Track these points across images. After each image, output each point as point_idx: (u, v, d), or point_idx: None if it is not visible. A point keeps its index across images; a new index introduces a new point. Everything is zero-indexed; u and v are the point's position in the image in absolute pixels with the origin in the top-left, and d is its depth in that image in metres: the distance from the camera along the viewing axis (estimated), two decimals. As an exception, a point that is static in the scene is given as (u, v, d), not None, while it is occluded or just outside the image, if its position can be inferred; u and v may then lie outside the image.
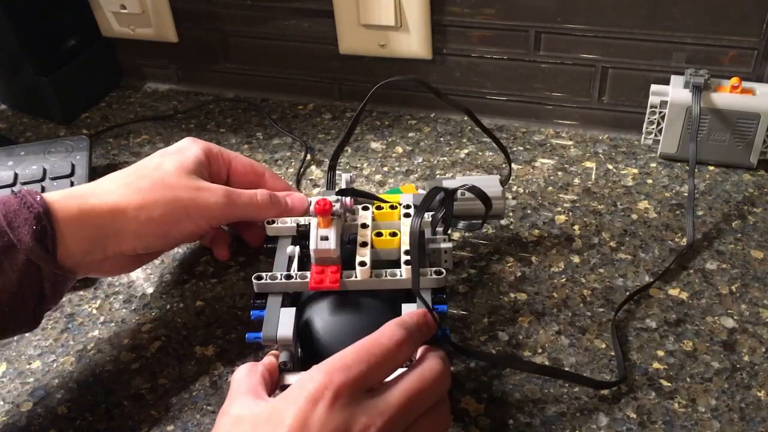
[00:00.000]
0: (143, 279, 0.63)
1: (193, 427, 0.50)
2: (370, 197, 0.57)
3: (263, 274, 0.50)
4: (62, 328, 0.59)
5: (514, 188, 0.70)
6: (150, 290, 0.62)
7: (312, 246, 0.50)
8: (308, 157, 0.77)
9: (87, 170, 0.71)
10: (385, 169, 0.75)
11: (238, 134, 0.82)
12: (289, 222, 0.56)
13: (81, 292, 0.62)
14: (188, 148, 0.56)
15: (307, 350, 0.49)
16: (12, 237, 0.45)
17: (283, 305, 0.50)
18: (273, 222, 0.56)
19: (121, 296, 0.61)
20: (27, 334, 0.58)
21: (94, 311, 0.60)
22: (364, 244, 0.51)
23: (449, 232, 0.57)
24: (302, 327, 0.49)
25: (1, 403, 0.53)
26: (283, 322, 0.48)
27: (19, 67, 0.83)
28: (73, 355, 0.56)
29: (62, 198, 0.48)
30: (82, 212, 0.48)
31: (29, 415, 0.52)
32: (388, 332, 0.42)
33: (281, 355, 0.47)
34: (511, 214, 0.67)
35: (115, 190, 0.50)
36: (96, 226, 0.48)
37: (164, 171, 0.52)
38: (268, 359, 0.46)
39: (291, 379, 0.47)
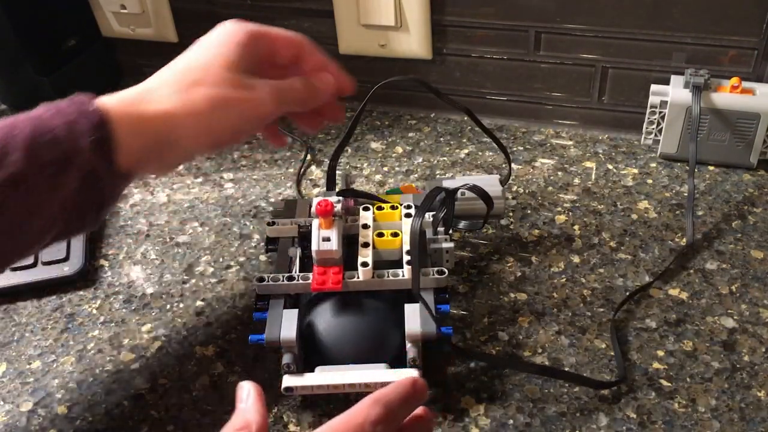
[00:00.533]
0: (143, 279, 0.63)
1: (193, 427, 0.50)
2: (371, 198, 0.57)
3: (265, 276, 0.50)
4: (62, 328, 0.59)
5: (514, 188, 0.70)
6: (150, 290, 0.62)
7: (314, 247, 0.50)
8: (308, 157, 0.77)
9: (87, 170, 0.71)
10: (385, 169, 0.74)
11: (238, 134, 0.82)
12: (289, 223, 0.56)
13: (81, 292, 0.62)
14: (233, 37, 0.52)
15: (310, 352, 0.49)
16: (72, 147, 0.44)
17: (285, 307, 0.50)
18: (274, 224, 0.56)
19: (121, 296, 0.61)
20: (27, 334, 0.58)
21: (94, 311, 0.60)
22: (365, 245, 0.51)
23: (450, 232, 0.57)
24: (305, 328, 0.49)
25: (1, 403, 0.53)
26: (286, 324, 0.48)
27: (19, 67, 0.83)
28: (73, 355, 0.56)
29: (118, 104, 0.47)
30: (139, 120, 0.47)
31: (29, 415, 0.52)
32: (364, 411, 0.38)
33: (284, 357, 0.47)
34: (511, 214, 0.67)
35: (168, 96, 0.48)
36: (154, 134, 0.47)
37: (214, 73, 0.49)
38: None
39: (293, 381, 0.47)
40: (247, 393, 0.41)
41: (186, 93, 0.48)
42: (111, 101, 0.46)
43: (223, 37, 0.52)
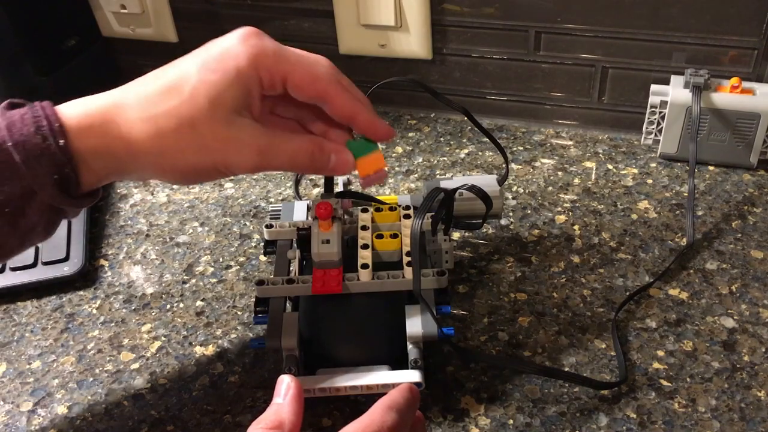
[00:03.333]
0: (143, 279, 0.63)
1: (193, 427, 0.50)
2: (369, 199, 0.57)
3: (265, 279, 0.50)
4: (62, 328, 0.59)
5: (514, 188, 0.70)
6: (150, 290, 0.62)
7: (314, 250, 0.50)
8: (308, 157, 0.77)
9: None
10: (385, 169, 0.74)
11: (238, 134, 0.82)
12: (288, 226, 0.56)
13: (81, 292, 0.62)
14: (234, 60, 0.42)
15: (311, 354, 0.49)
16: (32, 183, 0.41)
17: (285, 310, 0.50)
18: (272, 226, 0.56)
19: (121, 296, 0.61)
20: (27, 334, 0.58)
21: (94, 311, 0.60)
22: (365, 247, 0.51)
23: (449, 232, 0.57)
24: (305, 331, 0.49)
25: (1, 403, 0.53)
26: (286, 328, 0.48)
27: (19, 67, 0.83)
28: (73, 355, 0.56)
29: (82, 121, 0.42)
30: (103, 143, 0.42)
31: (29, 415, 0.52)
32: (379, 418, 0.38)
33: (285, 360, 0.47)
34: (511, 214, 0.67)
35: (136, 121, 0.42)
36: (115, 160, 0.43)
37: (196, 107, 0.41)
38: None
39: None
40: (286, 389, 0.40)
41: (155, 123, 0.42)
42: (74, 117, 0.42)
43: (223, 58, 0.43)
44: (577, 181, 0.71)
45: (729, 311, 0.56)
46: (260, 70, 0.43)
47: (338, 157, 0.46)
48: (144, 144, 0.42)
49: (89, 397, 0.53)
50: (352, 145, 0.46)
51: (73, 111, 0.42)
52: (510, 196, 0.69)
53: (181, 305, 0.60)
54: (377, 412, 0.39)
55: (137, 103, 0.42)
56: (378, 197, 0.58)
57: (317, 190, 0.72)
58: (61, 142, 0.41)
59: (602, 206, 0.67)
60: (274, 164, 0.44)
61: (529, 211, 0.67)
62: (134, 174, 0.44)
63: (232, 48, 0.43)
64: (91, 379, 0.54)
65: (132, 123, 0.42)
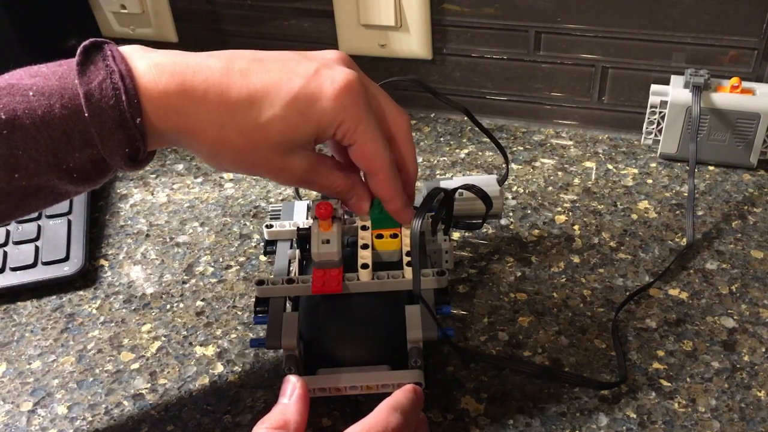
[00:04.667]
0: (143, 279, 0.63)
1: (193, 427, 0.50)
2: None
3: (264, 279, 0.50)
4: (62, 328, 0.59)
5: (514, 188, 0.70)
6: (150, 290, 0.62)
7: (314, 249, 0.50)
8: (308, 157, 0.77)
9: (87, 170, 0.71)
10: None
11: (238, 134, 0.82)
12: (288, 226, 0.56)
13: (81, 292, 0.62)
14: (319, 113, 0.43)
15: (312, 354, 0.49)
16: (104, 153, 0.40)
17: (285, 309, 0.50)
18: (272, 226, 0.56)
19: (121, 296, 0.61)
20: (27, 334, 0.58)
21: (94, 311, 0.60)
22: (365, 246, 0.51)
23: (449, 232, 0.57)
24: (305, 331, 0.49)
25: (1, 403, 0.53)
26: (287, 327, 0.48)
27: (19, 67, 0.83)
28: (73, 355, 0.56)
29: (158, 110, 0.41)
30: (172, 130, 0.42)
31: (29, 415, 0.52)
32: (383, 419, 0.38)
33: (285, 359, 0.47)
34: (511, 214, 0.67)
35: (207, 124, 0.42)
36: (179, 142, 0.44)
37: (267, 137, 0.42)
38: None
39: None
40: (292, 389, 0.40)
41: (222, 132, 0.42)
42: (154, 94, 0.41)
43: (312, 102, 0.43)
44: (577, 181, 0.71)
45: (729, 311, 0.56)
46: (338, 130, 0.44)
47: (358, 203, 0.49)
48: (206, 143, 0.43)
49: (89, 397, 0.53)
50: (374, 212, 0.51)
51: (155, 87, 0.41)
52: (510, 196, 0.69)
53: (181, 305, 0.60)
54: (381, 413, 0.39)
55: (216, 100, 0.42)
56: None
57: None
58: (138, 120, 0.40)
59: (602, 206, 0.67)
60: (307, 187, 0.48)
61: (529, 211, 0.67)
62: (189, 150, 0.45)
63: (325, 97, 0.43)
64: (91, 379, 0.54)
65: (203, 122, 0.42)
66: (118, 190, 0.75)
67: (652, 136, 0.73)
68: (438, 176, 0.73)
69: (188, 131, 0.42)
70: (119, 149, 0.40)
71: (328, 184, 0.47)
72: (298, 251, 0.55)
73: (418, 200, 0.55)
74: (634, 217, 0.66)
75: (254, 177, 0.75)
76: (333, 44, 0.82)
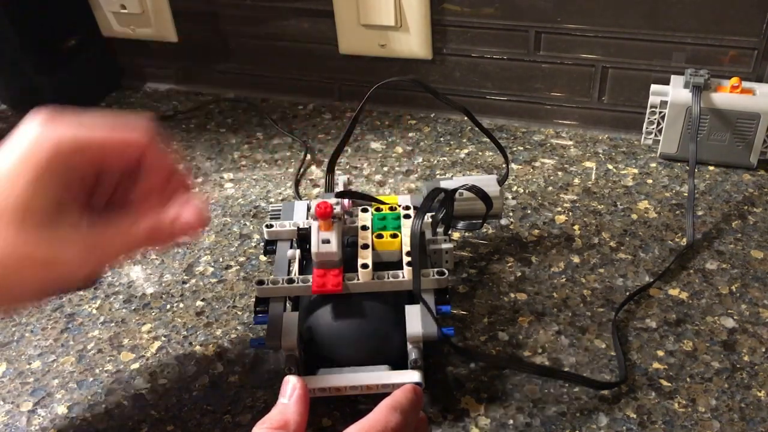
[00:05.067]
0: (143, 279, 0.63)
1: (193, 427, 0.50)
2: (369, 199, 0.57)
3: (265, 279, 0.50)
4: (62, 328, 0.59)
5: (514, 188, 0.70)
6: (150, 290, 0.62)
7: (314, 249, 0.50)
8: (308, 157, 0.77)
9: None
10: (385, 169, 0.74)
11: (238, 134, 0.82)
12: (288, 225, 0.56)
13: (81, 292, 0.62)
14: (36, 156, 0.37)
15: (312, 354, 0.49)
16: None
17: (285, 309, 0.50)
18: (272, 226, 0.56)
19: (121, 296, 0.61)
20: (27, 334, 0.58)
21: (94, 311, 0.60)
22: (365, 246, 0.51)
23: (449, 232, 0.57)
24: (306, 331, 0.49)
25: (1, 403, 0.53)
26: (287, 327, 0.48)
27: (19, 67, 0.83)
28: (73, 355, 0.56)
29: None
30: None
31: (29, 415, 0.52)
32: (383, 418, 0.38)
33: (286, 360, 0.47)
34: (511, 214, 0.67)
35: None
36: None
37: (6, 220, 0.36)
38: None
39: None
40: (292, 389, 0.40)
41: None
42: None
43: (24, 157, 0.37)
44: (577, 181, 0.71)
45: (729, 311, 0.56)
46: (70, 157, 0.38)
47: (183, 222, 0.41)
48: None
49: (89, 397, 0.53)
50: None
51: None
52: (510, 196, 0.69)
53: (181, 305, 0.60)
54: (381, 413, 0.39)
55: None
56: (378, 197, 0.58)
57: (317, 190, 0.72)
58: None
59: (602, 206, 0.67)
60: (117, 252, 0.40)
61: (529, 211, 0.67)
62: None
63: (30, 144, 0.37)
64: (91, 379, 0.54)
65: None
66: (118, 190, 0.74)
67: (652, 136, 0.73)
68: (438, 176, 0.73)
69: None
70: None
71: (125, 234, 0.40)
72: (298, 251, 0.55)
73: (419, 200, 0.55)
74: (634, 217, 0.66)
75: (254, 177, 0.75)
76: (333, 44, 0.82)
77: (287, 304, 0.51)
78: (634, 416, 0.48)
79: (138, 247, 0.41)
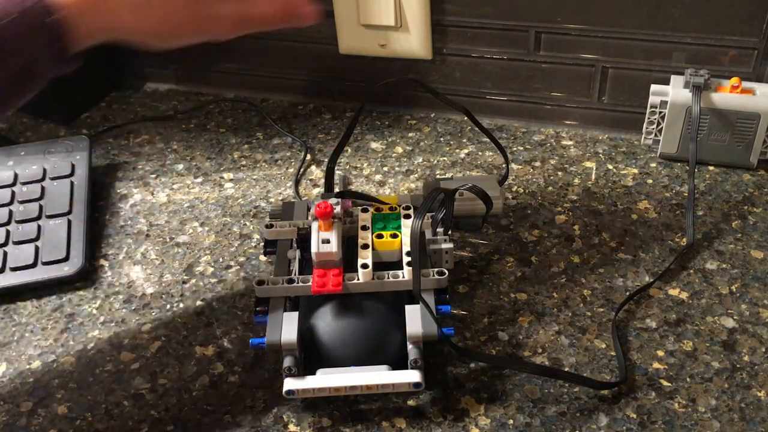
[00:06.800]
0: (143, 279, 0.63)
1: (193, 427, 0.50)
2: (369, 199, 0.57)
3: (265, 279, 0.50)
4: (62, 328, 0.59)
5: (514, 188, 0.70)
6: (150, 290, 0.62)
7: (314, 249, 0.50)
8: (308, 157, 0.77)
9: (87, 170, 0.71)
10: (385, 169, 0.75)
11: (238, 134, 0.82)
12: (288, 226, 0.56)
13: (81, 292, 0.62)
14: None
15: (312, 354, 0.49)
16: (32, 62, 0.44)
17: (285, 309, 0.50)
18: (272, 226, 0.56)
19: (121, 296, 0.61)
20: (27, 334, 0.58)
21: (94, 311, 0.60)
22: (365, 246, 0.51)
23: (449, 232, 0.57)
24: (305, 331, 0.49)
25: (1, 403, 0.53)
26: (287, 327, 0.48)
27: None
28: (73, 355, 0.56)
29: (77, 6, 0.46)
30: (97, 27, 0.48)
31: (29, 415, 0.52)
32: None
33: (285, 360, 0.47)
34: (511, 214, 0.67)
35: (127, 10, 0.47)
36: (104, 34, 0.49)
37: None
38: None
39: (295, 384, 0.47)
40: None
41: (146, 10, 0.47)
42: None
43: None
44: (577, 181, 0.71)
45: (729, 311, 0.56)
46: None
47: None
48: (134, 27, 0.48)
49: (89, 397, 0.53)
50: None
51: None
52: (510, 196, 0.69)
53: (181, 305, 0.60)
54: None
55: None
56: (378, 197, 0.58)
57: (317, 190, 0.72)
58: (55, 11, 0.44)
59: (602, 206, 0.67)
60: (255, 26, 0.49)
61: (529, 211, 0.67)
62: (124, 34, 0.49)
63: None
64: (91, 379, 0.54)
65: (122, 6, 0.47)
66: (118, 190, 0.75)
67: (652, 136, 0.73)
68: (438, 176, 0.73)
69: (107, 9, 0.47)
70: (47, 53, 0.45)
71: (265, 11, 0.49)
72: (298, 251, 0.55)
73: (419, 200, 0.55)
74: (634, 217, 0.66)
75: (254, 177, 0.75)
76: (333, 44, 0.82)
77: (287, 304, 0.51)
78: (634, 416, 0.48)
79: (276, 23, 0.49)
